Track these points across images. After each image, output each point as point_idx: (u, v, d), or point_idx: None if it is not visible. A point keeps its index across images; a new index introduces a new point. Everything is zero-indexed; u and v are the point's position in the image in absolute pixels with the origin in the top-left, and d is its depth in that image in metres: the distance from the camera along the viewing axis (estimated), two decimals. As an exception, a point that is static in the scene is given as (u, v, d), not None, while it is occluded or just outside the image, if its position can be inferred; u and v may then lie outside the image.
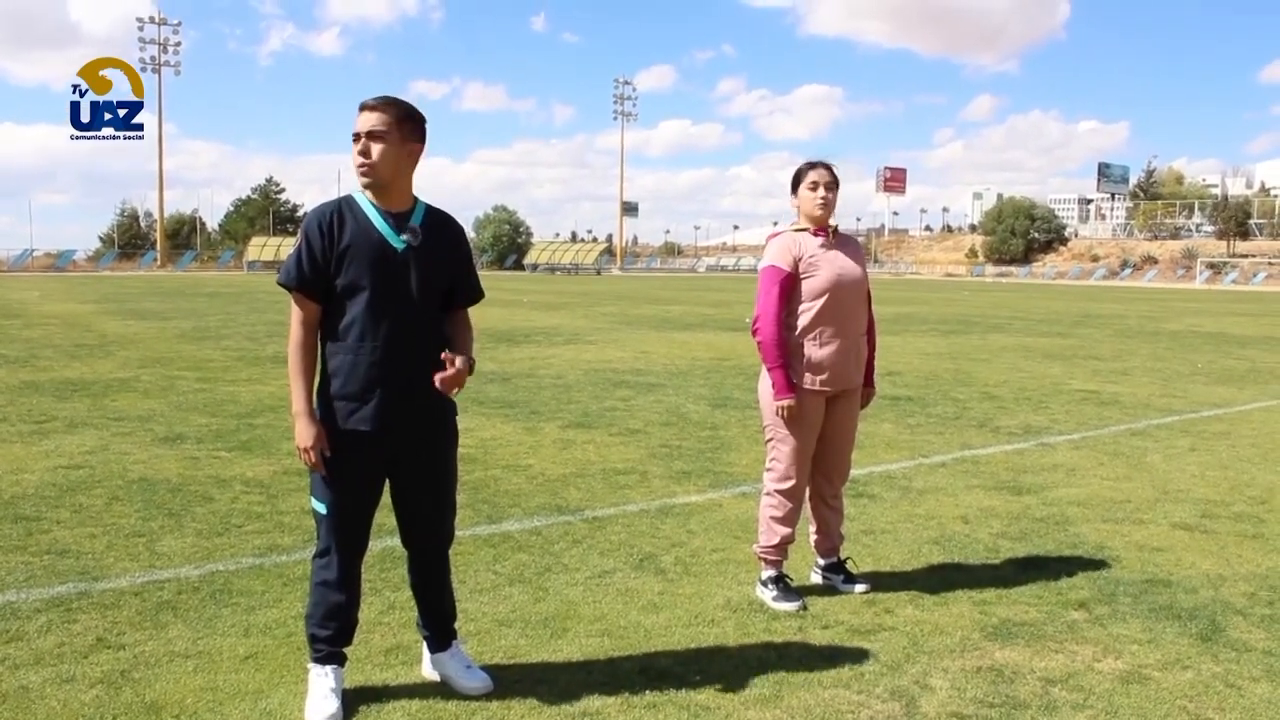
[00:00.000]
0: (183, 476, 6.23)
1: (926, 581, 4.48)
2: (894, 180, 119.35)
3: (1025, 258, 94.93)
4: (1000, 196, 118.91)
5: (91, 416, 8.37)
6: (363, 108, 3.11)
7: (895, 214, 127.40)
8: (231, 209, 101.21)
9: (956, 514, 5.64)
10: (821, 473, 4.41)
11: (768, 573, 4.26)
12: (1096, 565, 4.74)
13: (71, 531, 5.01)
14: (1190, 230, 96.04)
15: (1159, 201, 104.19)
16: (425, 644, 3.44)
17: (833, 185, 4.24)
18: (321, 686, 3.16)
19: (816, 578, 4.49)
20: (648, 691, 3.30)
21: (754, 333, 4.24)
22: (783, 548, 4.28)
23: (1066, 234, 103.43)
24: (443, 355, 3.09)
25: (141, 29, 78.91)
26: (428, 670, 3.42)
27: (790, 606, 4.12)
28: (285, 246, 69.21)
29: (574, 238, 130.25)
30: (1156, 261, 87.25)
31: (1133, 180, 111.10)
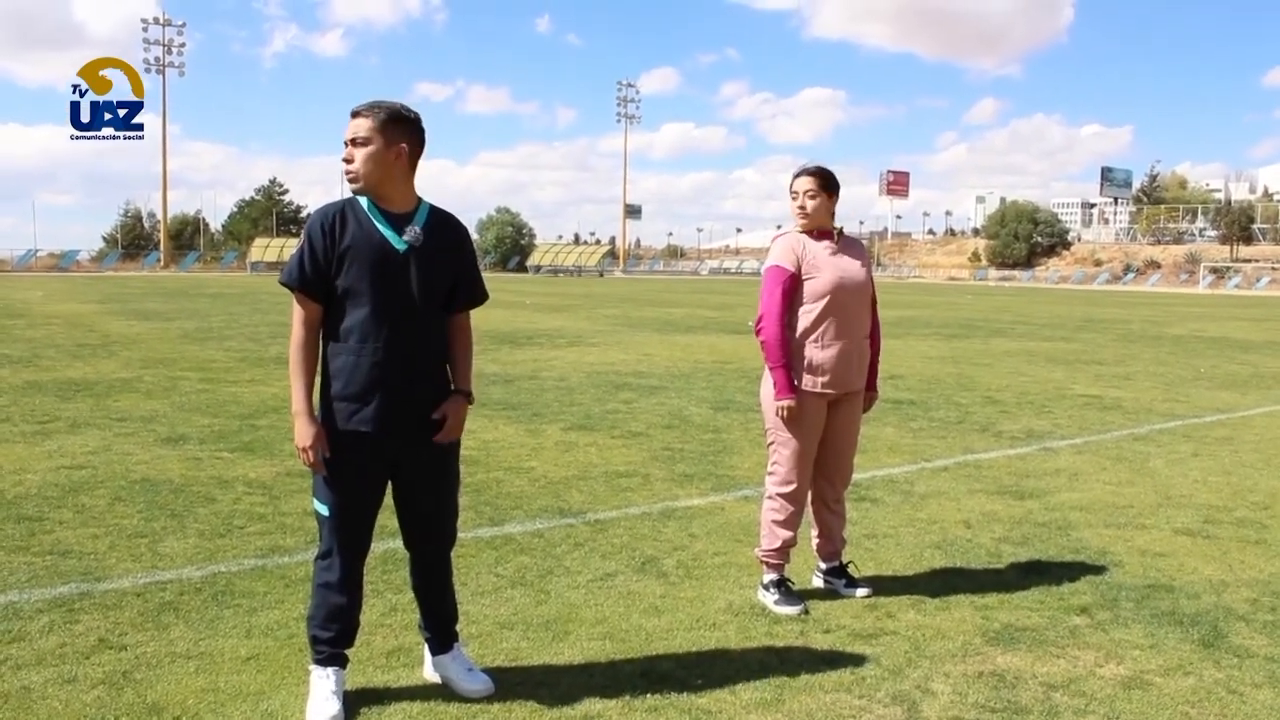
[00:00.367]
0: (185, 477, 6.23)
1: (928, 586, 4.47)
2: (897, 184, 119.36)
3: (1028, 262, 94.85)
4: (1003, 200, 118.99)
5: (94, 417, 8.38)
6: (351, 114, 3.14)
7: (898, 217, 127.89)
8: (235, 210, 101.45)
9: (958, 518, 5.63)
10: (823, 476, 4.40)
11: (769, 576, 4.26)
12: (1098, 570, 4.73)
13: (74, 532, 5.01)
14: (1193, 235, 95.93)
15: (1162, 206, 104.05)
16: (427, 646, 3.44)
17: (815, 193, 4.21)
18: (323, 688, 3.16)
19: (818, 581, 4.49)
20: (649, 695, 3.30)
21: (757, 332, 4.25)
22: (784, 551, 4.28)
23: (1069, 238, 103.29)
24: (434, 415, 3.17)
25: (146, 30, 79.06)
26: (429, 672, 3.42)
27: (792, 610, 4.11)
28: (288, 247, 69.29)
29: (577, 240, 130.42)
30: (1159, 266, 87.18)
31: (1136, 184, 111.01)
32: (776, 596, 4.19)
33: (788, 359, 4.17)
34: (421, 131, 3.21)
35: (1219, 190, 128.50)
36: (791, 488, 4.26)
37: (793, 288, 4.19)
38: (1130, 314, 31.46)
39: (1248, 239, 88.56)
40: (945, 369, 13.53)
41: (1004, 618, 4.09)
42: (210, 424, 8.15)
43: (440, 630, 3.41)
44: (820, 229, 4.26)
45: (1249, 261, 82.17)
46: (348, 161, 3.11)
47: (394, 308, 3.11)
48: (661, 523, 5.42)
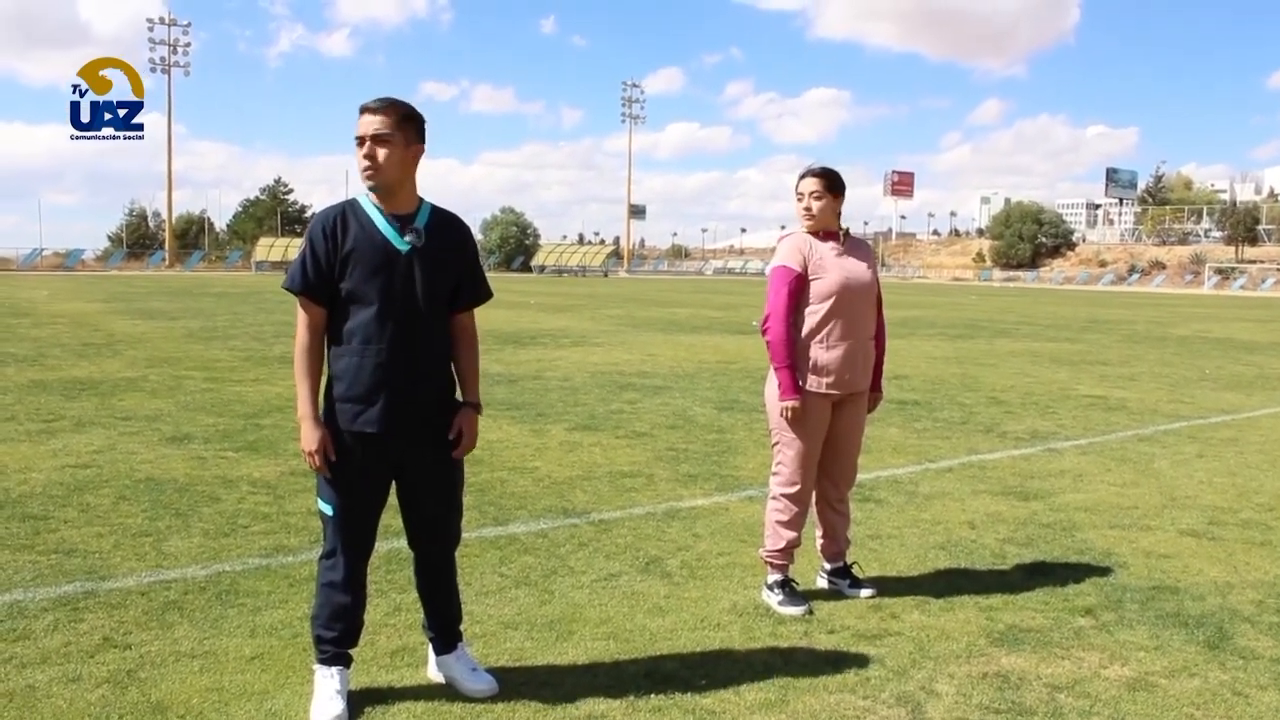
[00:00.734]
0: (190, 476, 6.24)
1: (933, 587, 4.47)
2: (901, 184, 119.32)
3: (1033, 262, 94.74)
4: (1008, 201, 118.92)
5: (99, 416, 8.40)
6: (364, 110, 3.11)
7: (903, 218, 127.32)
8: (240, 209, 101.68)
9: (963, 519, 5.62)
10: (828, 477, 4.40)
11: (774, 577, 4.26)
12: (1103, 571, 4.72)
13: (79, 531, 5.02)
14: (1198, 236, 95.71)
15: (1167, 207, 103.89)
16: (431, 646, 3.44)
17: (821, 194, 4.21)
18: (327, 688, 3.16)
19: (822, 582, 4.48)
20: (653, 695, 3.30)
21: (763, 332, 4.25)
22: (789, 552, 4.28)
23: (1074, 239, 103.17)
24: (450, 435, 3.22)
25: (151, 30, 79.24)
26: (433, 672, 3.42)
27: (796, 611, 4.11)
28: (293, 247, 69.39)
29: (581, 240, 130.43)
30: (1164, 267, 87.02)
31: (1141, 185, 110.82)
32: (781, 597, 4.19)
33: (793, 360, 4.17)
34: (425, 133, 3.22)
35: (1224, 191, 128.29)
36: (796, 488, 4.25)
37: (799, 288, 4.18)
38: (1135, 315, 31.41)
39: (1253, 240, 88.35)
40: (950, 369, 13.51)
41: (1008, 619, 4.08)
42: (215, 423, 8.16)
43: (444, 630, 3.41)
44: (826, 230, 4.25)
45: (1254, 262, 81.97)
46: (369, 159, 3.07)
47: (397, 309, 3.10)
48: (666, 523, 5.42)
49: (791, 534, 4.27)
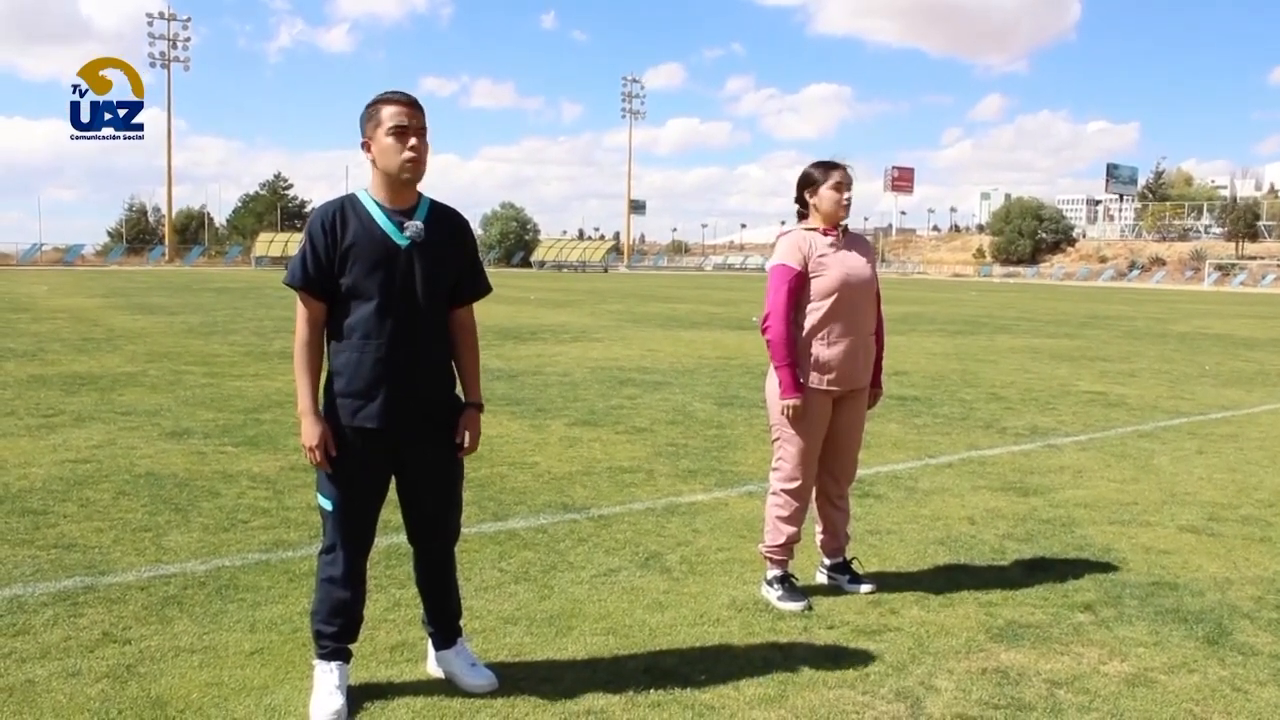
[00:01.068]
0: (189, 471, 6.24)
1: (932, 582, 4.47)
2: (902, 180, 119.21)
3: (1033, 258, 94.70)
4: (1008, 197, 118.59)
5: (99, 411, 8.40)
6: (399, 103, 3.09)
7: (903, 214, 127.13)
8: (239, 205, 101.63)
9: (963, 515, 5.63)
10: (828, 472, 4.40)
11: (773, 572, 4.26)
12: (1103, 567, 4.72)
13: (78, 525, 5.02)
14: (1199, 232, 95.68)
15: (1167, 203, 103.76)
16: (430, 641, 3.44)
17: (850, 185, 4.26)
18: (326, 683, 3.16)
19: (822, 578, 4.48)
20: (652, 690, 3.30)
21: (763, 331, 4.24)
22: (788, 547, 4.28)
23: (1074, 235, 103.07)
24: (456, 438, 3.25)
25: (151, 25, 79.08)
26: (433, 667, 3.43)
27: (795, 606, 4.11)
28: (293, 242, 69.34)
29: (581, 235, 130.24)
30: (1164, 263, 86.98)
31: (1141, 181, 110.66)
32: (780, 592, 4.19)
33: (793, 358, 4.17)
34: None
35: (1225, 187, 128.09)
36: (796, 484, 4.25)
37: (799, 286, 4.18)
38: (1135, 311, 31.41)
39: (1253, 236, 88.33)
40: (950, 365, 13.51)
41: (1008, 614, 4.08)
42: (215, 418, 8.16)
43: (444, 625, 3.41)
44: (834, 224, 4.27)
45: (1254, 259, 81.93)
46: (417, 152, 3.08)
47: (397, 304, 3.10)
48: (665, 518, 5.42)
49: (791, 529, 4.27)
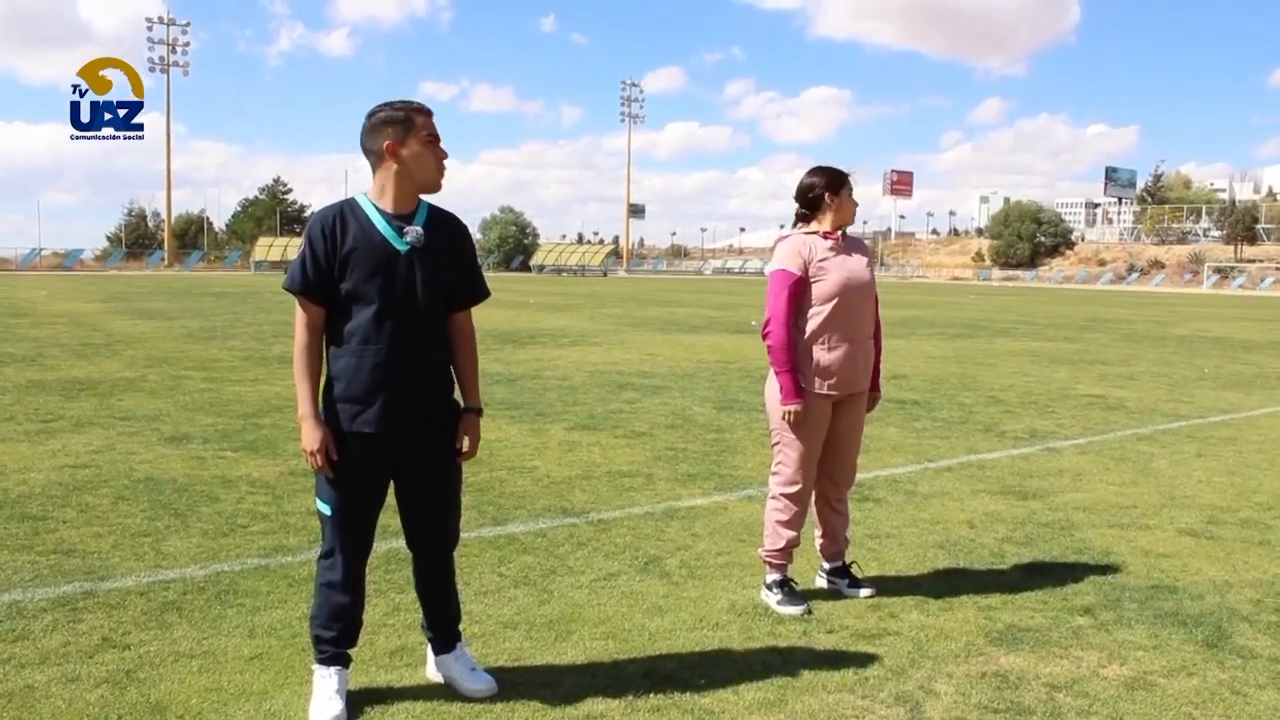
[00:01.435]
0: (189, 476, 6.24)
1: (931, 586, 4.47)
2: (901, 183, 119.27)
3: (1032, 262, 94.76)
4: (1007, 200, 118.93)
5: (98, 416, 8.40)
6: (432, 114, 3.19)
7: (902, 217, 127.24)
8: (239, 209, 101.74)
9: (962, 519, 5.63)
10: (827, 476, 4.40)
11: (773, 576, 4.26)
12: (1102, 571, 4.72)
13: (77, 531, 5.02)
14: (1198, 235, 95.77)
15: (1166, 206, 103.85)
16: (430, 646, 3.44)
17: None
18: (326, 688, 3.16)
19: (821, 582, 4.48)
20: (652, 695, 3.30)
21: (764, 336, 4.24)
22: (788, 551, 4.28)
23: (1073, 238, 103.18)
24: (457, 444, 3.27)
25: (150, 29, 79.20)
26: (432, 672, 3.42)
27: (795, 610, 4.11)
28: (292, 247, 69.37)
29: (581, 239, 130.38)
30: (1163, 266, 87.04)
31: (1140, 184, 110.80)
32: (780, 596, 4.19)
33: (794, 363, 4.17)
34: None
35: (1223, 190, 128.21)
36: (796, 488, 4.25)
37: (800, 291, 4.18)
38: (1134, 314, 31.42)
39: (1252, 239, 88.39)
40: (949, 369, 13.52)
41: (1007, 618, 4.08)
42: (214, 423, 8.16)
43: (443, 630, 3.41)
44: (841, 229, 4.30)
45: (1253, 262, 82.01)
46: (444, 160, 3.20)
47: (397, 309, 3.11)
48: (665, 522, 5.42)
49: (791, 533, 4.27)
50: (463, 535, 3.52)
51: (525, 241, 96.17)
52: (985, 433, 8.47)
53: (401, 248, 3.12)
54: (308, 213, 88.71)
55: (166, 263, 76.93)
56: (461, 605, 3.50)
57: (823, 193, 4.27)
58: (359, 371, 3.11)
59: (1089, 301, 43.32)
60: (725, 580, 4.50)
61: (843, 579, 4.43)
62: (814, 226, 4.29)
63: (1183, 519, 5.70)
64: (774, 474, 4.33)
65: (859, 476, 4.78)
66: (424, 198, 3.25)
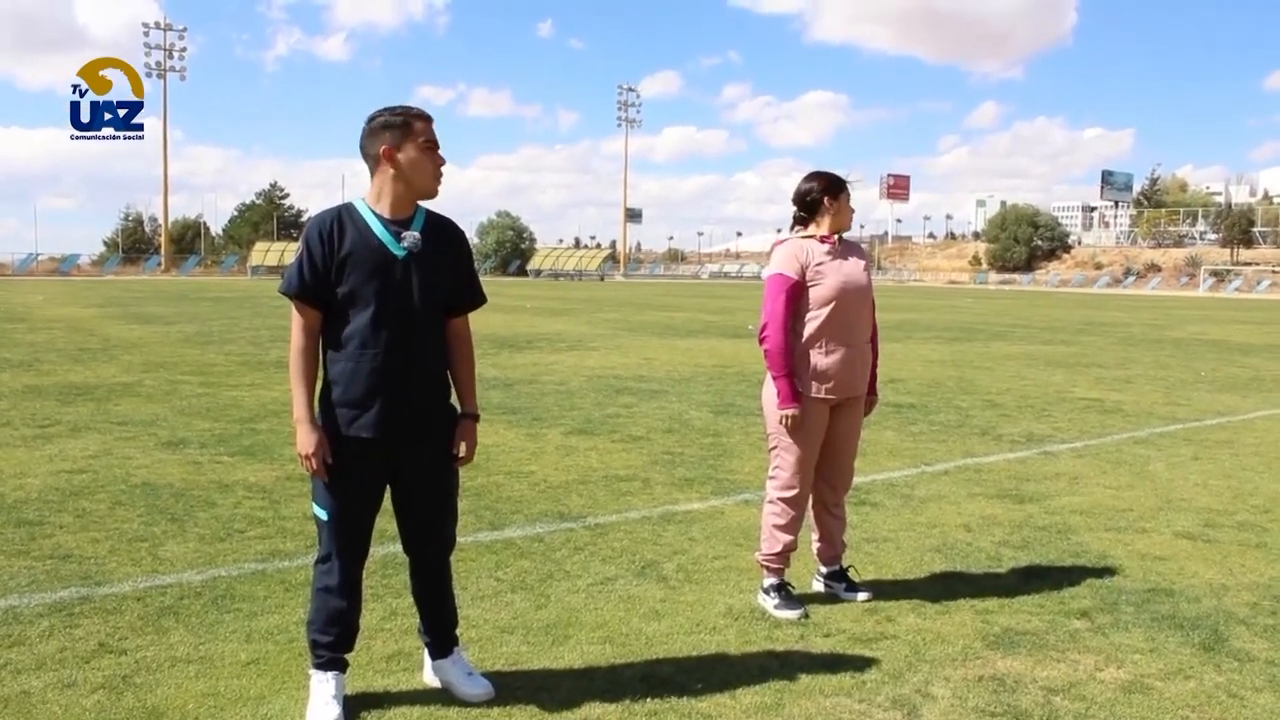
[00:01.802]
0: (186, 481, 6.23)
1: (929, 590, 4.47)
2: (897, 187, 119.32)
3: (1028, 265, 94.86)
4: (1004, 204, 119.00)
5: (95, 421, 8.39)
6: (431, 119, 3.20)
7: (899, 221, 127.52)
8: (236, 214, 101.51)
9: (959, 522, 5.63)
10: (824, 480, 4.40)
11: (770, 580, 4.26)
12: (1099, 574, 4.73)
13: (74, 536, 5.01)
14: (1194, 238, 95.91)
15: (1163, 209, 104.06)
16: (427, 650, 3.44)
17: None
18: (323, 692, 3.16)
19: (818, 585, 4.49)
20: (649, 699, 3.30)
21: (761, 340, 4.25)
22: (785, 555, 4.28)
23: (1070, 241, 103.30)
24: (453, 449, 3.28)
25: (147, 34, 79.09)
26: (429, 677, 3.42)
27: (792, 614, 4.11)
28: (289, 251, 69.32)
29: (578, 244, 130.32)
30: (1160, 269, 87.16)
31: (1137, 188, 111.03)
32: (777, 600, 4.19)
33: (791, 368, 4.18)
34: None
35: (1219, 193, 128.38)
36: (793, 492, 4.26)
37: (797, 295, 4.19)
38: (1131, 317, 31.47)
39: (1248, 242, 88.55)
40: (946, 372, 13.53)
41: (1004, 622, 4.09)
42: (211, 428, 8.16)
43: (440, 635, 3.41)
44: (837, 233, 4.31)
45: (1249, 265, 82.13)
46: (441, 165, 3.21)
47: (394, 313, 3.11)
48: (661, 527, 5.42)
49: (788, 538, 4.27)
50: (459, 540, 3.53)
51: (522, 246, 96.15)
52: (982, 436, 8.48)
53: (399, 253, 3.12)
54: (305, 218, 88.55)
55: (163, 268, 76.82)
56: (458, 610, 3.50)
57: (820, 197, 4.28)
58: (356, 376, 3.11)
59: (1085, 305, 43.38)
60: (722, 584, 4.50)
61: (840, 583, 4.43)
62: (811, 231, 4.29)
63: (1179, 522, 5.70)
64: (771, 478, 4.33)
65: (856, 480, 4.78)
66: (421, 203, 3.25)
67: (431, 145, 3.16)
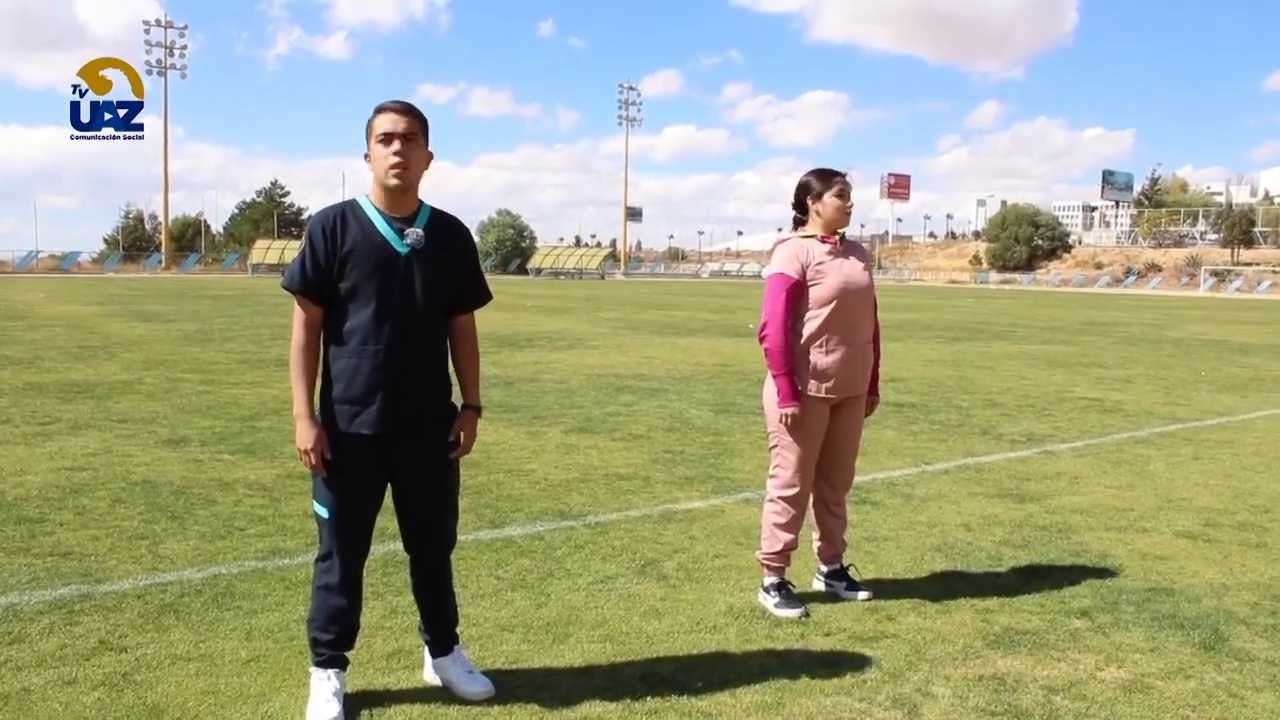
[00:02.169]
0: (186, 479, 6.23)
1: (929, 589, 4.47)
2: (898, 187, 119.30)
3: (1029, 265, 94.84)
4: (1004, 203, 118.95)
5: (95, 418, 8.39)
6: (389, 110, 3.11)
7: (899, 220, 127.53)
8: (236, 212, 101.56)
9: (959, 521, 5.63)
10: (825, 479, 4.40)
11: (770, 579, 4.26)
12: (1099, 573, 4.73)
13: (74, 534, 5.01)
14: (1194, 238, 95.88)
15: (1163, 209, 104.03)
16: (427, 649, 3.44)
17: (850, 194, 4.30)
18: (323, 690, 3.16)
19: (819, 584, 4.48)
20: (649, 697, 3.30)
21: (761, 339, 4.24)
22: (785, 554, 4.28)
23: (1070, 241, 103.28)
24: (451, 437, 3.26)
25: (148, 32, 79.11)
26: (429, 675, 3.42)
27: (792, 613, 4.11)
28: (290, 249, 69.39)
29: (578, 242, 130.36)
30: (1160, 269, 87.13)
31: (1137, 188, 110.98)
32: (777, 599, 4.19)
33: (791, 367, 4.17)
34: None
35: (1220, 193, 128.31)
36: (794, 491, 4.25)
37: (797, 294, 4.18)
38: (1131, 317, 31.46)
39: (1249, 242, 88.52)
40: (946, 372, 13.53)
41: (1004, 621, 4.08)
42: (211, 426, 8.16)
43: (440, 633, 3.41)
44: (834, 231, 4.28)
45: (1250, 265, 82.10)
46: (401, 157, 3.08)
47: (396, 310, 3.11)
48: (662, 525, 5.42)
49: (788, 536, 4.27)
50: (460, 538, 3.52)
51: (523, 244, 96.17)
52: (982, 436, 8.47)
53: (402, 249, 3.12)
54: (305, 215, 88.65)
55: (164, 265, 76.85)
56: (459, 608, 3.50)
57: (804, 198, 4.29)
58: (357, 373, 3.11)
59: (1086, 304, 43.37)
60: (723, 583, 4.50)
61: (840, 582, 4.43)
62: (811, 230, 4.29)
63: (1179, 522, 5.70)
64: (771, 477, 4.33)
65: (857, 479, 4.78)
66: (425, 200, 3.25)
67: (385, 138, 3.09)
